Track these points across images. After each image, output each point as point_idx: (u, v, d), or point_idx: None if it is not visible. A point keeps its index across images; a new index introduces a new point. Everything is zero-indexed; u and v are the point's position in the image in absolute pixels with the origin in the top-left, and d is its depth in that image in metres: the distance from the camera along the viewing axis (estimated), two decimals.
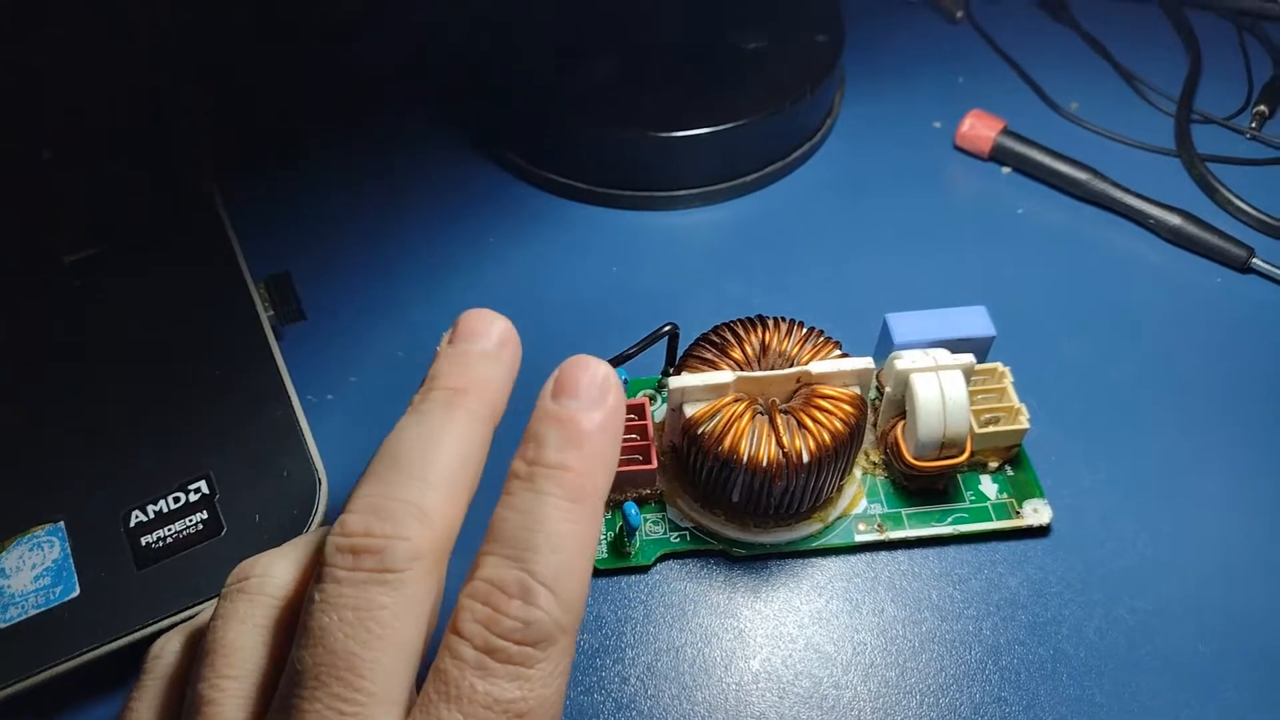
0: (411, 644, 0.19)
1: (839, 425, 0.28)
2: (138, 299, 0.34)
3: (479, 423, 0.21)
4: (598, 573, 0.30)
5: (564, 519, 0.19)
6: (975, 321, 0.31)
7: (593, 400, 0.21)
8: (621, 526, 0.29)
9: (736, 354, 0.29)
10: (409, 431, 0.20)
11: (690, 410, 0.29)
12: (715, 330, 0.30)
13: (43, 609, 0.27)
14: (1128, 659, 0.28)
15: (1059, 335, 0.36)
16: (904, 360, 0.29)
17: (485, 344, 0.22)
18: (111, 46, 0.41)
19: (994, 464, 0.31)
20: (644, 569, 0.30)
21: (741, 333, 0.30)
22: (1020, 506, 0.30)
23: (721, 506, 0.30)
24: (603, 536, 0.30)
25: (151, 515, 0.29)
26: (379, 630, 0.18)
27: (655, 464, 0.29)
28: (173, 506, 0.29)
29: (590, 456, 0.20)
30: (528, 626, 0.18)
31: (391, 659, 0.18)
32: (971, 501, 0.31)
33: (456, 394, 0.21)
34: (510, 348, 0.22)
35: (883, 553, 0.30)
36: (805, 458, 0.27)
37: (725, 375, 0.28)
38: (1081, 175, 0.40)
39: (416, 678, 0.19)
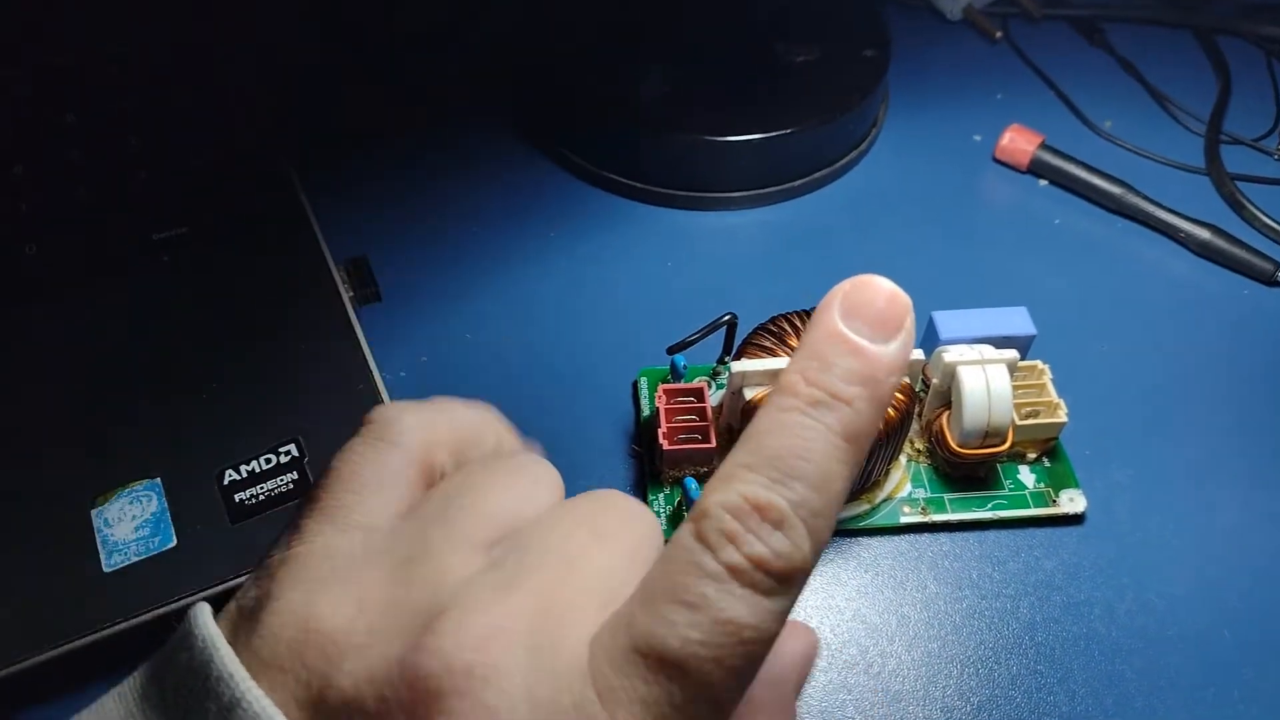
0: None
1: (890, 412, 0.30)
2: (225, 276, 0.36)
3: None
4: None
5: (836, 457, 0.17)
6: (1017, 321, 0.33)
7: (889, 331, 0.18)
8: (681, 500, 0.31)
9: (793, 342, 0.31)
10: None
11: (750, 394, 0.30)
12: (773, 320, 0.32)
13: (143, 557, 0.29)
14: (1156, 639, 0.30)
15: (1093, 339, 0.38)
16: (951, 353, 0.31)
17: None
18: (196, 36, 0.43)
19: (1032, 455, 0.33)
20: None
21: (798, 323, 0.32)
22: (1057, 495, 0.32)
23: None
24: (663, 510, 0.32)
25: (244, 474, 0.31)
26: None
27: (715, 443, 0.31)
28: (264, 466, 0.31)
29: (876, 398, 0.17)
30: (777, 558, 0.16)
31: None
32: (1010, 489, 0.32)
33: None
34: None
35: (925, 535, 0.32)
36: None
37: (784, 361, 0.30)
38: (1116, 189, 0.42)
39: None
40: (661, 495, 0.32)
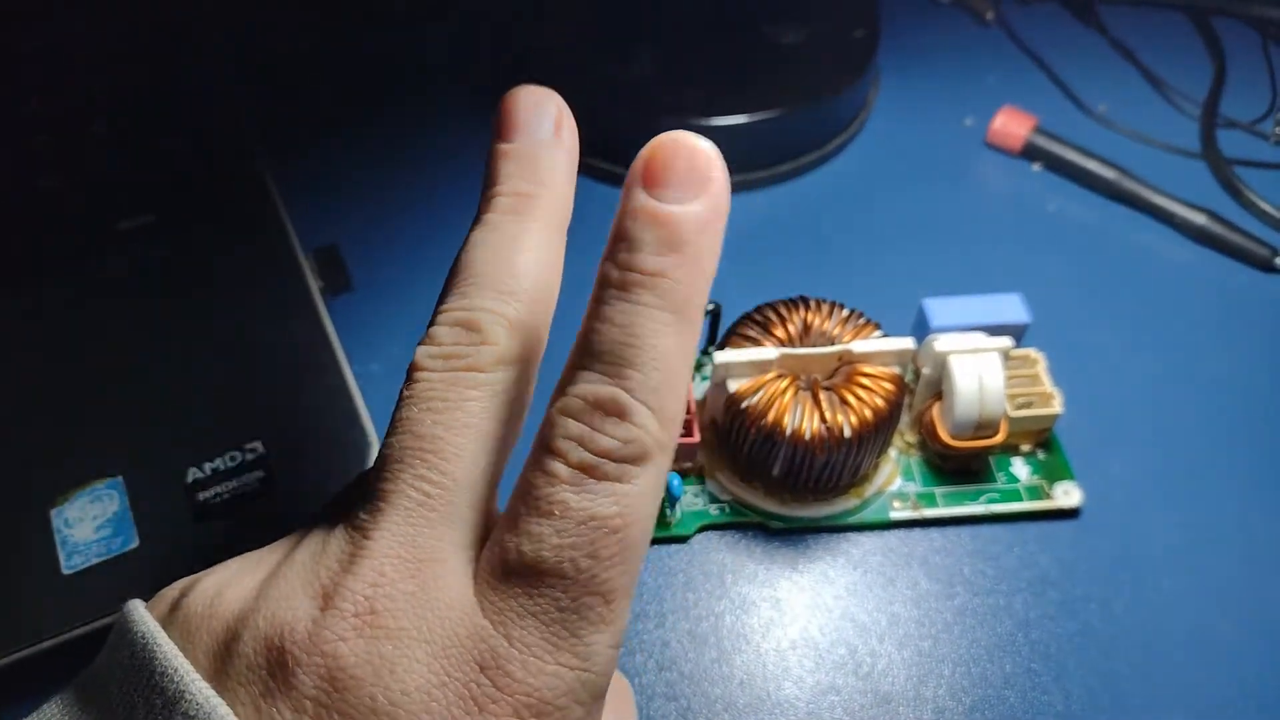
0: (498, 439, 0.18)
1: (880, 402, 0.29)
2: (191, 266, 0.34)
3: (554, 229, 0.20)
4: None
5: (666, 332, 0.17)
6: (1010, 308, 0.32)
7: (694, 189, 0.17)
8: (663, 497, 0.30)
9: (780, 332, 0.30)
10: (484, 245, 0.19)
11: (734, 385, 0.29)
12: (759, 309, 0.31)
13: (104, 558, 0.28)
14: (1154, 635, 0.29)
15: (1088, 327, 0.37)
16: (942, 342, 0.30)
17: (542, 132, 0.20)
18: (164, 21, 0.41)
19: (1026, 447, 0.32)
20: (684, 539, 0.31)
21: (784, 312, 0.31)
22: (1051, 488, 0.31)
23: (761, 480, 0.31)
24: None
25: (209, 472, 0.29)
26: (465, 419, 0.18)
27: (698, 438, 0.30)
28: (229, 465, 0.30)
29: (693, 260, 0.17)
30: (626, 444, 0.17)
31: (476, 447, 0.18)
32: (1004, 482, 0.32)
33: (525, 200, 0.20)
34: (568, 130, 0.21)
35: (916, 530, 0.31)
36: (848, 432, 0.28)
37: (769, 351, 0.29)
38: (1110, 174, 0.41)
39: (496, 493, 0.19)
40: None
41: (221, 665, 0.17)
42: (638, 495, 0.17)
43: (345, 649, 0.16)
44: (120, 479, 0.29)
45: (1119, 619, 0.29)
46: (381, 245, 0.38)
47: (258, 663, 0.16)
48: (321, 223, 0.38)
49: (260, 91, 0.41)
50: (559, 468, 0.17)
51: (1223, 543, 0.31)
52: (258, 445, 0.30)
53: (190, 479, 0.29)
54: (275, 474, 0.29)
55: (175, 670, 0.16)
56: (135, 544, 0.28)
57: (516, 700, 0.16)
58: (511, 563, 0.17)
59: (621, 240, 0.18)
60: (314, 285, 0.34)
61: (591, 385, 0.17)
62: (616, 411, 0.17)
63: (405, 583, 0.17)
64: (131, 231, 0.35)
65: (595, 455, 0.17)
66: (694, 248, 0.17)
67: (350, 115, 0.44)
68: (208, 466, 0.30)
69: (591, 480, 0.17)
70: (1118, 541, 0.31)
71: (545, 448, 0.17)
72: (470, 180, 0.41)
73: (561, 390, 0.17)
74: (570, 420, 0.17)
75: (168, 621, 0.18)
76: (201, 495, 0.29)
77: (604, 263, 0.18)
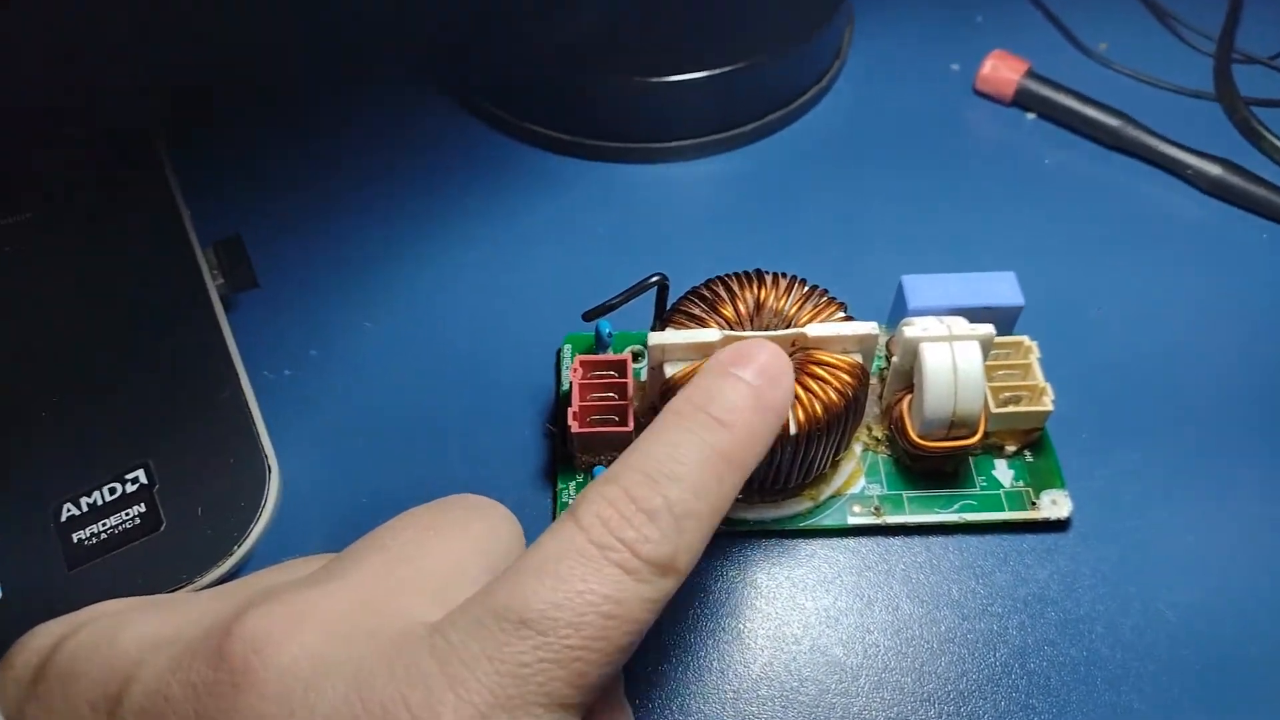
0: None
1: (834, 396, 0.25)
2: (73, 268, 0.30)
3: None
4: None
5: (712, 472, 0.18)
6: (1002, 289, 0.28)
7: (771, 379, 0.20)
8: None
9: (727, 311, 0.26)
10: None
11: (671, 370, 0.26)
12: (707, 284, 0.27)
13: None
14: (1168, 661, 0.25)
15: (1089, 299, 0.33)
16: (914, 327, 0.26)
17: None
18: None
19: (1011, 448, 0.28)
20: None
21: (735, 288, 0.27)
22: (1037, 497, 0.27)
23: None
24: (574, 498, 0.27)
25: (85, 508, 0.26)
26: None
27: (631, 426, 0.26)
28: (108, 499, 0.26)
29: (755, 427, 0.19)
30: (648, 543, 0.17)
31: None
32: (983, 488, 0.28)
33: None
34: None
35: (896, 544, 0.27)
36: (792, 429, 0.24)
37: (711, 333, 0.25)
38: (1113, 121, 0.37)
39: None
40: (573, 483, 0.28)
41: (113, 710, 0.16)
42: (639, 597, 0.17)
43: (259, 665, 0.15)
44: None
45: (1128, 643, 0.26)
46: (291, 236, 0.34)
47: (165, 694, 0.16)
48: (224, 212, 0.34)
49: (155, 65, 0.37)
50: (576, 536, 0.17)
51: (1247, 551, 0.27)
52: (140, 474, 0.26)
53: (65, 517, 0.26)
54: (158, 508, 0.26)
55: None
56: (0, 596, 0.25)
57: None
58: (494, 606, 0.16)
59: (695, 389, 0.19)
60: (212, 284, 0.30)
61: (631, 483, 0.18)
62: (650, 511, 0.17)
63: (352, 609, 0.16)
64: (7, 229, 0.31)
65: (617, 540, 0.17)
66: (762, 418, 0.19)
67: (254, 84, 0.40)
68: (84, 502, 0.26)
69: (602, 559, 0.17)
70: (1125, 549, 0.27)
71: (569, 517, 0.17)
72: (393, 164, 0.37)
73: (602, 478, 0.18)
74: (603, 502, 0.17)
75: (36, 679, 0.17)
76: (76, 535, 0.25)
77: (674, 400, 0.19)
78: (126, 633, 0.17)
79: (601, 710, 0.18)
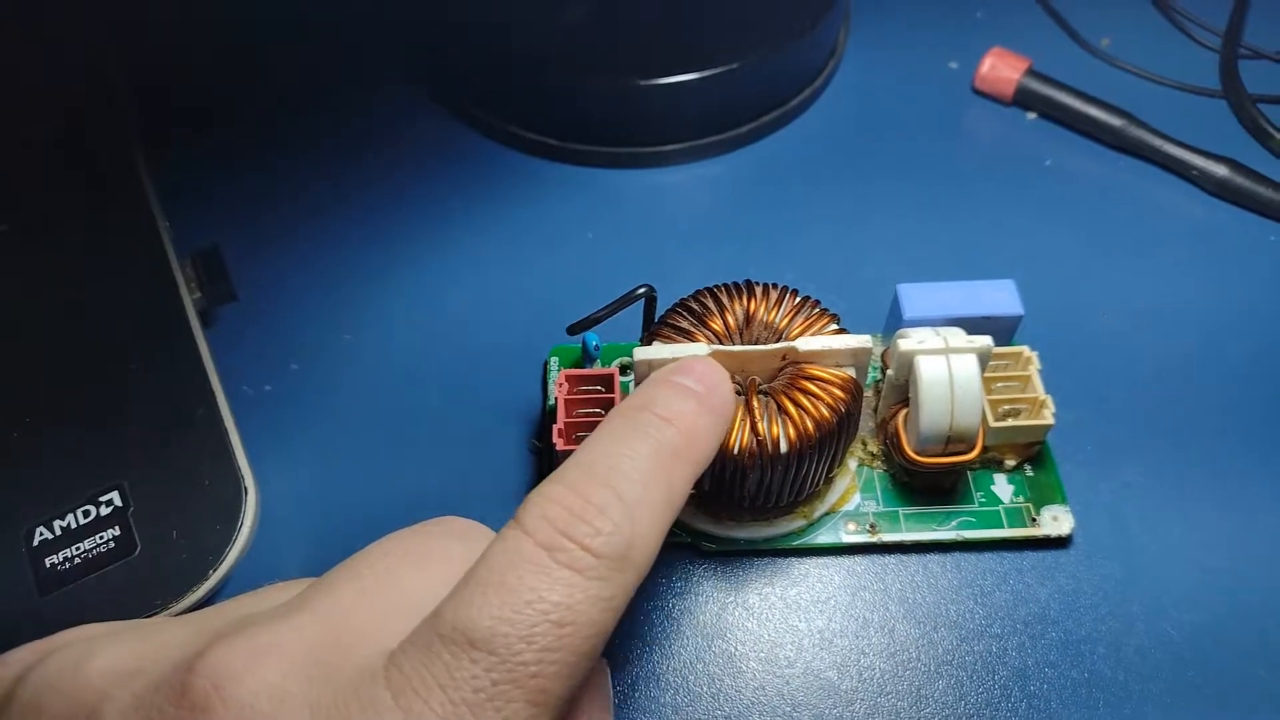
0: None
1: (825, 412, 0.24)
2: (44, 282, 0.30)
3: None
4: None
5: (661, 465, 0.18)
6: (1001, 298, 0.27)
7: (710, 386, 0.20)
8: None
9: (716, 324, 0.25)
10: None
11: None
12: (696, 295, 0.26)
13: None
14: (1172, 682, 0.24)
15: (1091, 305, 0.32)
16: (909, 340, 0.26)
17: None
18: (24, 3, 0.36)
19: (1011, 462, 0.27)
20: None
21: (725, 300, 0.26)
22: (1037, 513, 0.27)
23: (692, 495, 0.26)
24: None
25: (58, 532, 0.25)
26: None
27: None
28: (81, 522, 0.25)
29: (700, 427, 0.19)
30: (599, 536, 0.16)
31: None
32: (981, 504, 0.27)
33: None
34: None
35: (892, 562, 0.27)
36: (783, 447, 0.24)
37: (698, 348, 0.24)
38: (1116, 121, 0.36)
39: None
40: None
41: None
42: (593, 596, 0.16)
43: (219, 702, 0.15)
44: None
45: (1131, 664, 0.25)
46: (270, 245, 0.33)
47: None
48: (201, 220, 0.33)
49: (133, 70, 0.36)
50: (522, 543, 0.16)
51: (1254, 568, 0.26)
52: (114, 496, 0.25)
53: (37, 541, 0.25)
54: (132, 532, 0.25)
55: None
56: None
57: None
58: (440, 629, 0.15)
59: (638, 394, 0.20)
60: (189, 297, 0.29)
61: (578, 478, 0.17)
62: (599, 505, 0.17)
63: (317, 642, 0.16)
64: None
65: (565, 538, 0.16)
66: (704, 416, 0.20)
67: (233, 89, 0.39)
68: (56, 525, 0.25)
69: (551, 563, 0.16)
70: (1129, 567, 0.26)
71: (513, 522, 0.17)
72: (377, 171, 0.36)
73: (547, 480, 0.17)
74: (549, 502, 0.17)
75: (1, 710, 0.17)
76: (49, 560, 0.25)
77: (618, 405, 0.20)
78: (93, 664, 0.17)
79: (585, 706, 0.19)
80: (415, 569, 0.18)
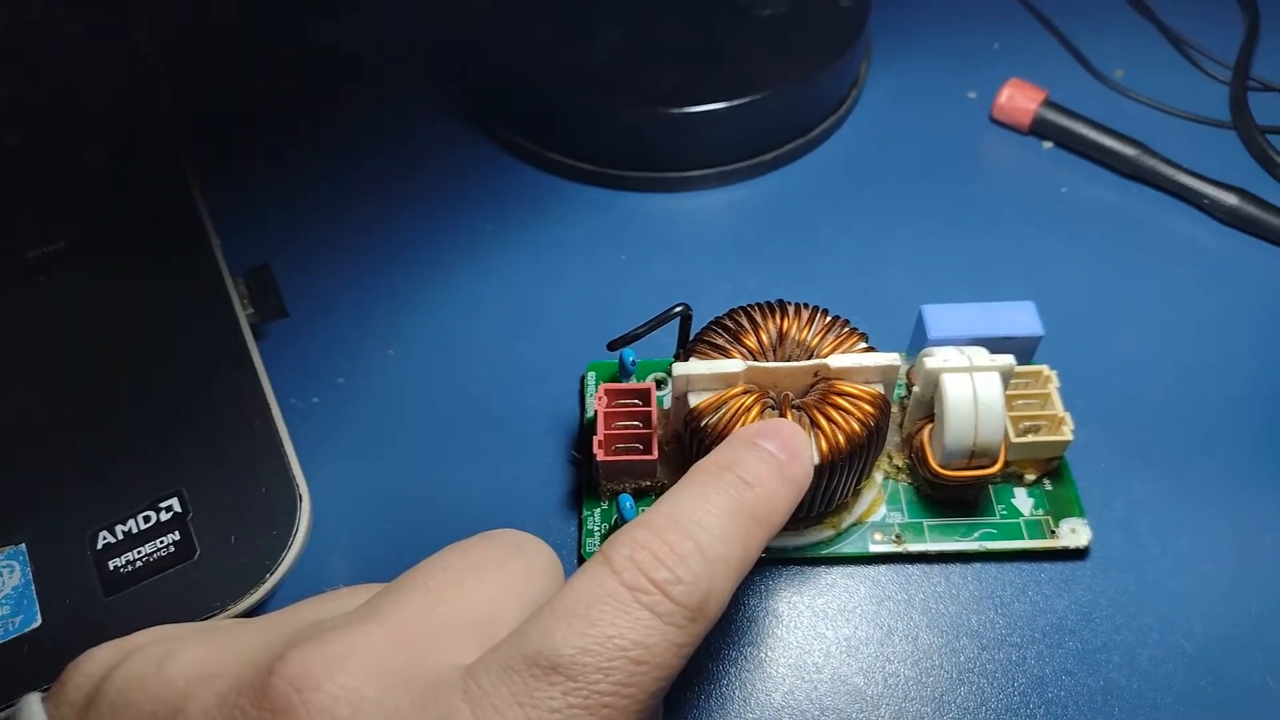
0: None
1: (856, 426, 0.25)
2: (105, 298, 0.31)
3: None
4: None
5: (739, 524, 0.19)
6: (1022, 319, 0.28)
7: (793, 453, 0.21)
8: (617, 519, 0.27)
9: (750, 341, 0.27)
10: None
11: (695, 400, 0.26)
12: (730, 314, 0.28)
13: (4, 640, 0.25)
14: (1185, 691, 0.25)
15: (1108, 326, 0.33)
16: (935, 359, 0.27)
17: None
18: (83, 26, 0.38)
19: (1031, 476, 0.29)
20: None
21: (758, 318, 0.27)
22: (1056, 525, 0.28)
23: None
24: (598, 527, 0.28)
25: (120, 536, 0.26)
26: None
27: (656, 454, 0.27)
28: (143, 526, 0.26)
29: (778, 494, 0.20)
30: (679, 584, 0.17)
31: None
32: (1003, 516, 0.28)
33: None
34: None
35: (915, 573, 0.28)
36: (816, 459, 0.25)
37: (735, 364, 0.26)
38: (1129, 150, 0.37)
39: None
40: (598, 510, 0.28)
41: None
42: (669, 641, 0.17)
43: (300, 706, 0.15)
44: (23, 547, 0.26)
45: (1145, 673, 0.26)
46: (319, 264, 0.35)
47: None
48: (254, 242, 0.34)
49: (184, 91, 0.37)
50: (608, 579, 0.17)
51: (1267, 582, 0.27)
52: (174, 503, 0.27)
53: (100, 544, 0.26)
54: (192, 537, 0.26)
55: None
56: (38, 622, 0.25)
57: None
58: (525, 651, 0.16)
59: (723, 453, 0.21)
60: (242, 314, 0.31)
61: (663, 525, 0.18)
62: (681, 555, 0.17)
63: (393, 651, 0.16)
64: (39, 260, 0.32)
65: (648, 581, 0.17)
66: (786, 485, 0.20)
67: (282, 116, 0.40)
68: (119, 530, 0.26)
69: (634, 603, 0.17)
70: (1144, 579, 0.27)
71: (601, 558, 0.18)
72: (419, 194, 0.38)
73: (634, 522, 0.18)
74: (636, 545, 0.18)
75: (88, 706, 0.17)
76: (112, 563, 0.26)
77: (703, 461, 0.20)
78: (175, 662, 0.17)
79: None
80: (475, 581, 0.19)
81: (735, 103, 0.36)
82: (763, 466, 0.20)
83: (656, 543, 0.18)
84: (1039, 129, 0.39)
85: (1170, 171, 0.36)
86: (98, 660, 0.18)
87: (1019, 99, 0.39)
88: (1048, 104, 0.38)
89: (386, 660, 0.16)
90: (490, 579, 0.19)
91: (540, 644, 0.16)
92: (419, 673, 0.16)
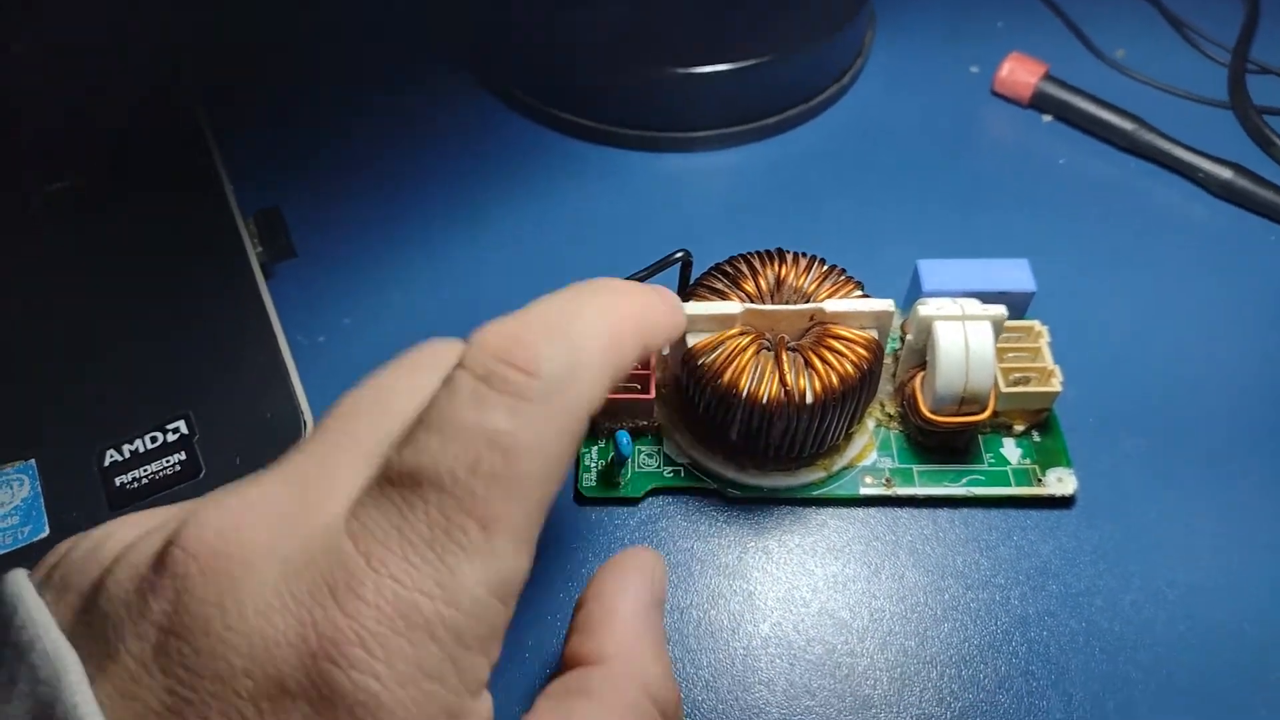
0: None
1: (849, 368, 0.26)
2: (120, 232, 0.32)
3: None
4: (585, 500, 0.28)
5: (609, 320, 0.18)
6: (1015, 275, 0.29)
7: (662, 292, 0.22)
8: (613, 456, 0.28)
9: (749, 286, 0.27)
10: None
11: (693, 340, 0.27)
12: (730, 261, 0.28)
13: (10, 549, 0.26)
14: (1165, 635, 0.26)
15: (1101, 292, 0.34)
16: (928, 306, 0.27)
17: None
18: None
19: (1020, 427, 0.29)
20: (633, 501, 0.28)
21: (757, 265, 0.28)
22: (1043, 474, 0.28)
23: (719, 444, 0.28)
24: (595, 465, 0.29)
25: (127, 455, 0.27)
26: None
27: (653, 394, 0.28)
28: (149, 446, 0.27)
29: (653, 304, 0.20)
30: (538, 359, 0.16)
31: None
32: (991, 464, 0.29)
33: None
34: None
35: (904, 516, 0.28)
36: (809, 398, 0.25)
37: (733, 306, 0.27)
38: (1127, 125, 0.38)
39: None
40: (595, 447, 0.29)
41: (89, 605, 0.16)
42: (538, 420, 0.16)
43: (195, 568, 0.15)
44: (33, 462, 0.27)
45: (1127, 616, 0.26)
46: (328, 207, 0.36)
47: (120, 596, 0.16)
48: (263, 183, 0.35)
49: (198, 37, 0.38)
50: (463, 379, 0.16)
51: (1246, 534, 0.28)
52: (180, 425, 0.27)
53: (108, 462, 0.27)
54: (197, 457, 0.27)
55: (33, 622, 0.16)
56: (45, 532, 0.26)
57: (362, 629, 0.14)
58: (389, 473, 0.15)
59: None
60: (253, 252, 0.31)
61: (528, 317, 0.17)
62: (545, 333, 0.17)
63: (286, 503, 0.16)
64: (60, 192, 0.32)
65: (508, 366, 0.16)
66: (655, 297, 0.21)
67: (296, 65, 0.41)
68: (126, 449, 0.27)
69: (491, 391, 0.16)
70: (1128, 529, 0.28)
71: (458, 364, 0.16)
72: (427, 146, 0.38)
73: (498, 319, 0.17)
74: (491, 336, 0.16)
75: (54, 570, 0.17)
76: (119, 479, 0.27)
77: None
78: (107, 544, 0.17)
79: (625, 585, 0.20)
80: (382, 413, 0.17)
81: (741, 65, 0.37)
82: (637, 285, 0.20)
83: (514, 325, 0.17)
84: (1039, 102, 0.39)
85: (1167, 145, 0.37)
86: (59, 550, 0.18)
87: (1020, 72, 0.39)
88: (1048, 78, 0.39)
89: (280, 511, 0.16)
90: (396, 405, 0.18)
91: (401, 462, 0.15)
92: (313, 520, 0.16)
